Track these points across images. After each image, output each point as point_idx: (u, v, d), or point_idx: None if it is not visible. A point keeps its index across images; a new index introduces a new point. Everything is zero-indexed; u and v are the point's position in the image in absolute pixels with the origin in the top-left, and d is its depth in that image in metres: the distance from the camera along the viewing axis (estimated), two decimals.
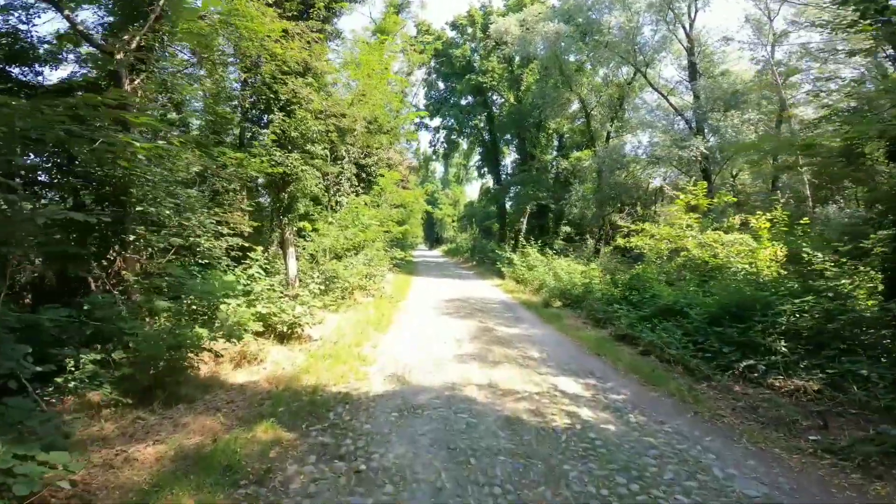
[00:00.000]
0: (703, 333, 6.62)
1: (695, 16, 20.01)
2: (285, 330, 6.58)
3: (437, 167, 61.86)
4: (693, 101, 19.82)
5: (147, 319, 5.28)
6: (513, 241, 27.45)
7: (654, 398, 5.32)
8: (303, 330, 6.85)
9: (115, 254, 5.58)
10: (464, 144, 35.58)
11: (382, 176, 15.75)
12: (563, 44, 22.44)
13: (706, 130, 18.74)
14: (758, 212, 11.08)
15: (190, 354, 4.76)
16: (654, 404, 5.12)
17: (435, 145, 32.74)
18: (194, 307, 5.26)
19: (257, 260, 7.54)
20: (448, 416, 4.54)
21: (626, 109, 26.41)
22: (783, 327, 6.12)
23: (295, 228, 10.25)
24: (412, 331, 8.47)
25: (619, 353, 7.00)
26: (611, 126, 25.82)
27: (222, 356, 5.76)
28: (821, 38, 17.64)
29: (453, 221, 53.93)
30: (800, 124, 18.23)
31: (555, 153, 31.05)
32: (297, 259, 9.86)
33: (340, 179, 14.24)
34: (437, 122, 32.68)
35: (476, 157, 38.74)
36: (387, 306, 10.71)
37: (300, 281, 9.33)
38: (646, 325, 7.51)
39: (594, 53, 23.13)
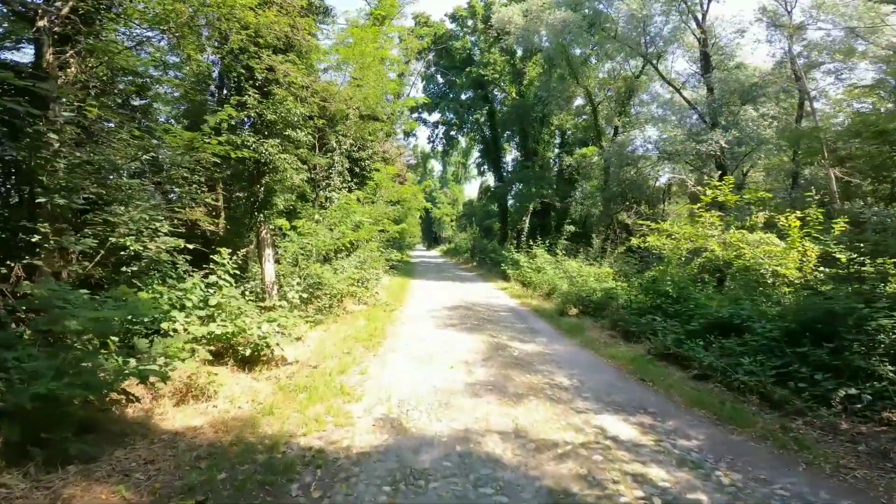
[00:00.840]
0: (779, 354, 5.23)
1: (707, 6, 18.71)
2: (248, 353, 5.14)
3: (436, 166, 60.59)
4: (706, 95, 18.53)
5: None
6: (515, 241, 26.18)
7: (739, 444, 3.93)
8: (272, 352, 5.41)
9: (14, 259, 4.13)
10: (463, 142, 34.25)
11: (377, 170, 14.32)
12: (569, 35, 21.11)
13: (721, 125, 17.46)
14: (787, 210, 9.91)
15: (90, 398, 3.31)
16: (744, 453, 3.74)
17: (433, 141, 31.35)
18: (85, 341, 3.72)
19: (223, 265, 6.10)
20: (465, 493, 3.11)
21: (632, 105, 25.17)
22: (884, 346, 4.76)
23: (273, 227, 8.81)
24: (410, 349, 7.02)
25: (669, 379, 5.59)
26: (618, 121, 24.50)
27: (159, 389, 4.33)
28: (840, 32, 16.50)
29: (452, 221, 52.61)
30: (823, 116, 17.10)
31: (557, 150, 29.75)
32: (275, 262, 8.42)
33: (331, 173, 12.80)
34: (435, 117, 31.41)
35: (476, 155, 37.40)
36: (380, 316, 9.27)
37: (279, 288, 7.89)
38: (697, 343, 6.11)
39: (601, 46, 21.83)
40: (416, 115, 30.38)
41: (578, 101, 27.12)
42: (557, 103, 25.50)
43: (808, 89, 16.41)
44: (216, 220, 6.63)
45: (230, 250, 6.48)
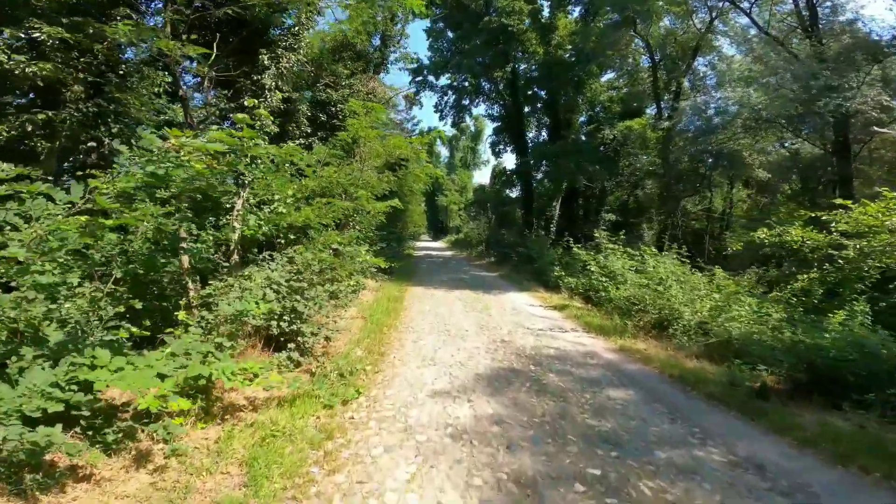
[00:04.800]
0: None
1: None
2: None
3: (442, 151, 54.39)
4: (810, 49, 12.59)
5: None
6: (542, 232, 20.44)
7: None
8: None
9: None
10: (476, 111, 28.22)
11: (354, 113, 8.41)
12: None
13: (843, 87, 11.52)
14: None
15: None
16: None
17: (442, 110, 25.26)
18: None
19: None
20: None
21: (693, 69, 19.02)
22: None
23: None
24: None
25: None
26: (685, 80, 18.37)
27: None
28: None
29: (460, 210, 46.69)
30: None
31: (585, 128, 23.65)
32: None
33: (264, 99, 6.95)
34: (443, 87, 25.29)
35: (488, 134, 31.28)
36: (333, 417, 3.49)
37: None
38: None
39: None
40: (419, 77, 24.36)
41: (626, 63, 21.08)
42: (606, 59, 19.38)
43: None
44: None
45: None
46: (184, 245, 4.59)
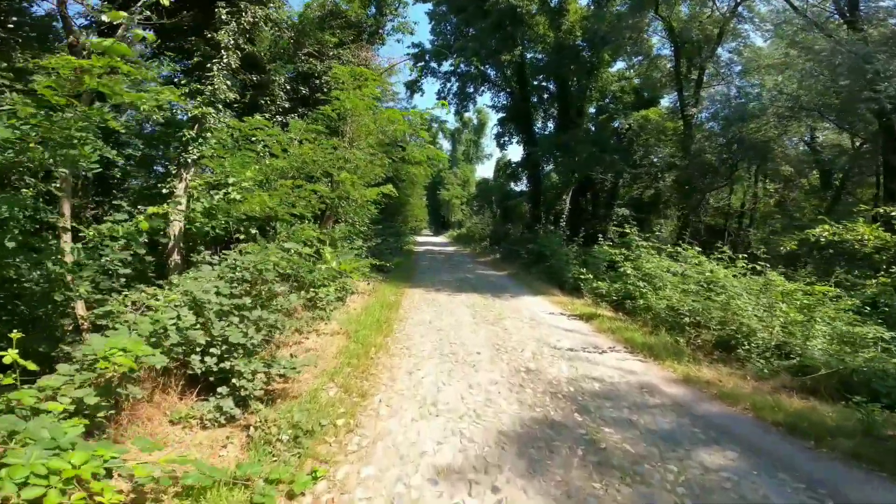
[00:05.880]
0: None
1: None
2: None
3: (444, 144, 52.71)
4: (852, 35, 11.06)
5: None
6: (551, 227, 18.97)
7: None
8: None
9: None
10: (481, 100, 26.55)
11: (341, 83, 6.81)
12: None
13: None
14: None
15: None
16: None
17: (445, 97, 23.59)
18: None
19: None
20: None
21: (716, 56, 17.31)
22: None
23: None
24: None
25: None
26: (711, 65, 16.69)
27: None
28: None
29: (462, 204, 45.16)
30: None
31: (593, 119, 22.02)
32: None
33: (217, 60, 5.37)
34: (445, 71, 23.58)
35: (492, 125, 29.56)
36: None
37: None
38: None
39: None
40: (421, 63, 22.74)
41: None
42: (621, 44, 17.69)
43: None
44: None
45: None
46: (66, 239, 3.06)
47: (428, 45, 22.83)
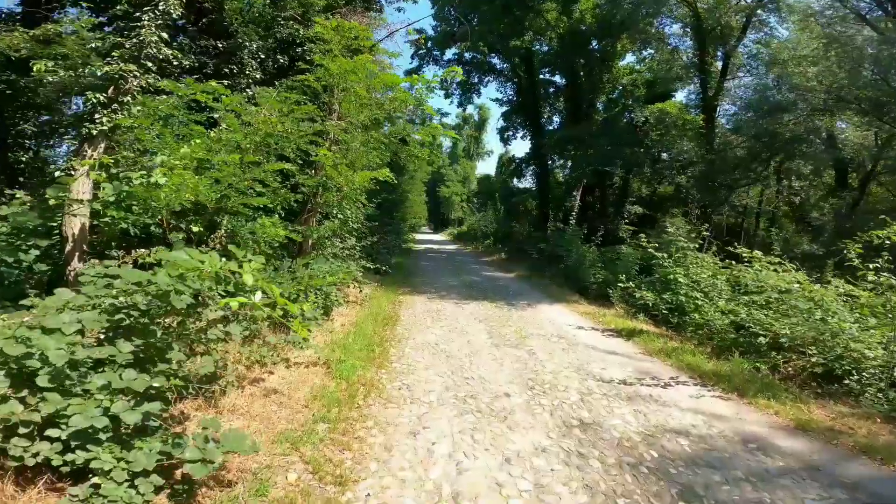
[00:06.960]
0: None
1: None
2: None
3: (444, 141, 51.32)
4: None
5: None
6: (560, 224, 17.73)
7: None
8: None
9: None
10: (485, 91, 25.16)
11: (328, 44, 5.42)
12: None
13: None
14: None
15: None
16: None
17: (448, 88, 22.19)
18: None
19: None
20: None
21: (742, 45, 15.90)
22: None
23: None
24: None
25: None
26: (738, 57, 15.29)
27: None
28: None
29: (462, 201, 43.79)
30: None
31: (602, 114, 20.68)
32: None
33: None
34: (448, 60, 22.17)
35: (495, 119, 28.13)
36: None
37: None
38: None
39: None
40: (422, 51, 21.35)
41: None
42: (642, 27, 16.23)
43: None
44: None
45: None
46: None
47: (431, 32, 21.43)
